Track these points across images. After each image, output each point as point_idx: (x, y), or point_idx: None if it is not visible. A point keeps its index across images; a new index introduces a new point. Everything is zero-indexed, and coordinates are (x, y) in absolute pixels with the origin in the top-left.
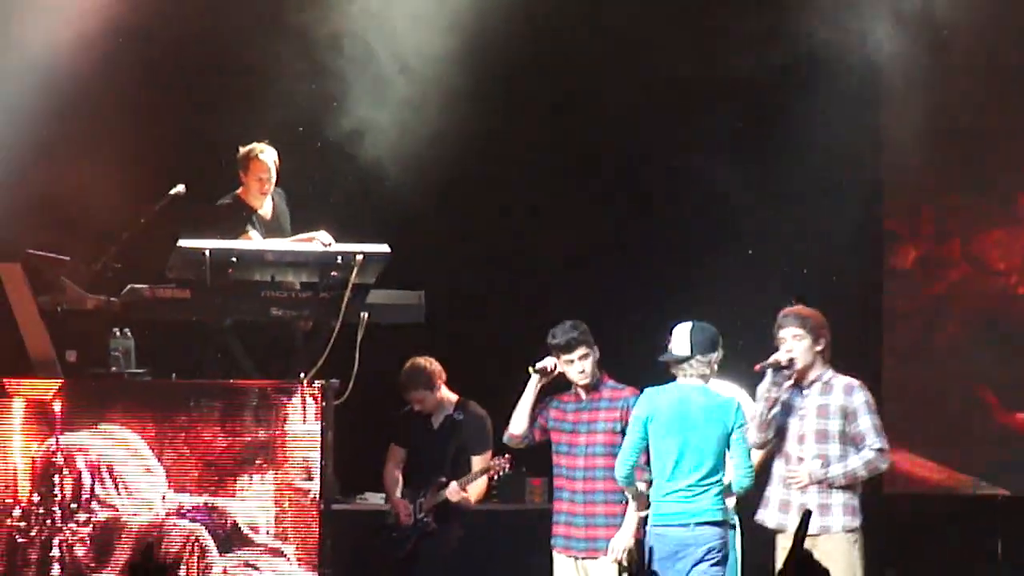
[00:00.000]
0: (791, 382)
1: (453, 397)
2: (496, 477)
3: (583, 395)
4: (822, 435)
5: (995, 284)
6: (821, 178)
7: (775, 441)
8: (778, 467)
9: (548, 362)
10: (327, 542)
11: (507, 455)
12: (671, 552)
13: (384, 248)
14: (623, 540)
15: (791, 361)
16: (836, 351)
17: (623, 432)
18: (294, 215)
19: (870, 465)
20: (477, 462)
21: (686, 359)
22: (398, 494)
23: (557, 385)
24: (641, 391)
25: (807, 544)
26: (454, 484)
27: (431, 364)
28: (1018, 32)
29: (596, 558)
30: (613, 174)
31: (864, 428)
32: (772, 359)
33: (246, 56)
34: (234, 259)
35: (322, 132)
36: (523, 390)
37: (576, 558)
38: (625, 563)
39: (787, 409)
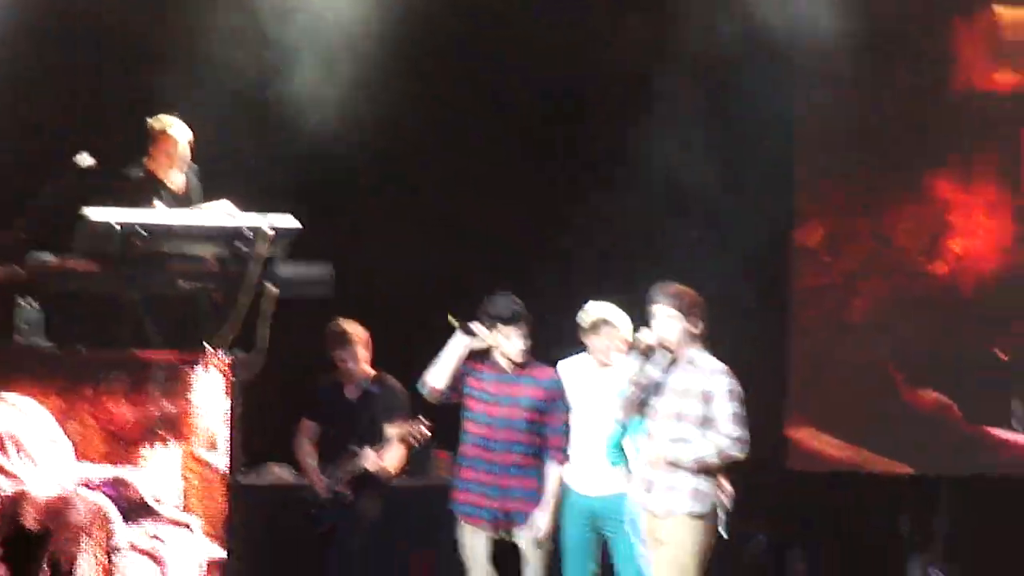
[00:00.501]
0: (665, 360)
1: (370, 371)
2: (416, 442)
3: (507, 368)
4: (680, 416)
5: (902, 261)
6: (734, 155)
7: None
8: (642, 445)
9: (479, 328)
10: (234, 515)
11: (424, 420)
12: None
13: (293, 222)
14: (545, 517)
15: (660, 341)
16: (744, 328)
17: (545, 412)
18: (211, 185)
19: (722, 453)
20: (391, 433)
21: None
22: (314, 468)
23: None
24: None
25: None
26: (371, 452)
27: (360, 327)
28: (933, 11)
29: (510, 530)
30: (548, 147)
31: (721, 415)
32: (642, 342)
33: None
34: (141, 230)
35: (245, 100)
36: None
37: (485, 528)
38: (543, 539)
39: (654, 388)
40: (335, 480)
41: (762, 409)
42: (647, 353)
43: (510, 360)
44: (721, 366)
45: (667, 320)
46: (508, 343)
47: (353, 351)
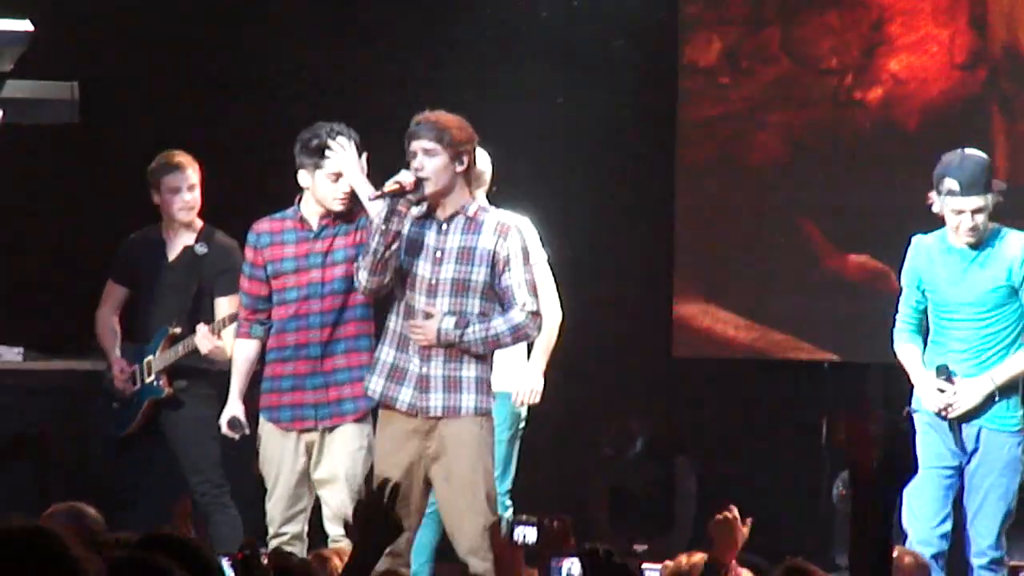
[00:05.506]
0: (421, 211)
1: (197, 222)
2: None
3: (312, 222)
4: (461, 286)
5: (824, 85)
6: None
7: (399, 290)
8: (395, 323)
9: (403, 176)
10: None
11: None
12: None
13: (23, 24)
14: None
15: (419, 183)
16: (623, 169)
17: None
18: None
19: (518, 331)
20: (224, 305)
21: None
22: (117, 350)
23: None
24: None
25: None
26: (204, 328)
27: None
28: None
29: (342, 424)
30: None
31: (515, 282)
32: (392, 182)
33: None
34: None
35: None
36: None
37: (306, 430)
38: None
39: (415, 248)
40: (145, 368)
41: (643, 280)
42: (400, 198)
43: (336, 210)
44: (510, 220)
45: (427, 157)
46: (336, 187)
47: (189, 179)
